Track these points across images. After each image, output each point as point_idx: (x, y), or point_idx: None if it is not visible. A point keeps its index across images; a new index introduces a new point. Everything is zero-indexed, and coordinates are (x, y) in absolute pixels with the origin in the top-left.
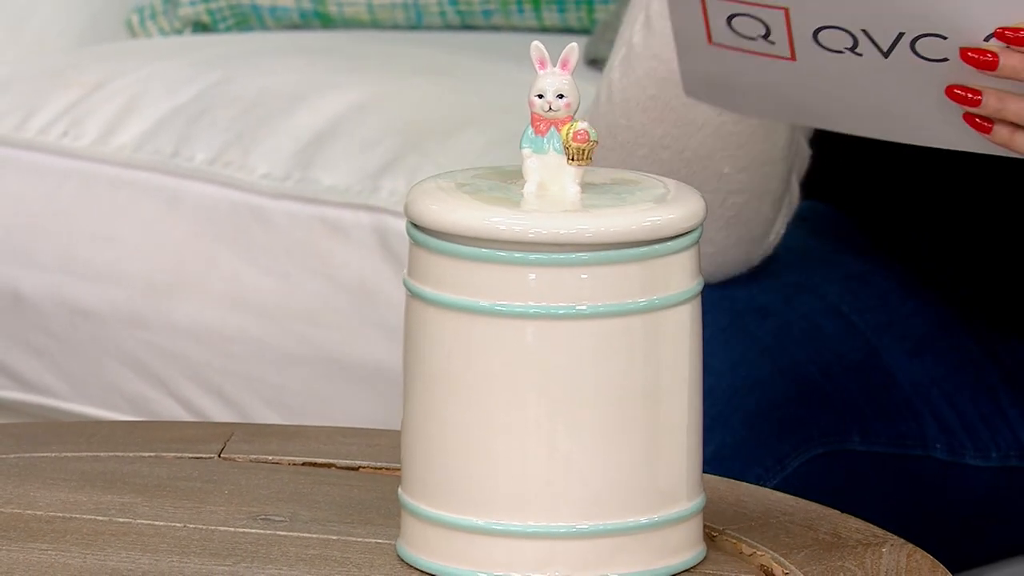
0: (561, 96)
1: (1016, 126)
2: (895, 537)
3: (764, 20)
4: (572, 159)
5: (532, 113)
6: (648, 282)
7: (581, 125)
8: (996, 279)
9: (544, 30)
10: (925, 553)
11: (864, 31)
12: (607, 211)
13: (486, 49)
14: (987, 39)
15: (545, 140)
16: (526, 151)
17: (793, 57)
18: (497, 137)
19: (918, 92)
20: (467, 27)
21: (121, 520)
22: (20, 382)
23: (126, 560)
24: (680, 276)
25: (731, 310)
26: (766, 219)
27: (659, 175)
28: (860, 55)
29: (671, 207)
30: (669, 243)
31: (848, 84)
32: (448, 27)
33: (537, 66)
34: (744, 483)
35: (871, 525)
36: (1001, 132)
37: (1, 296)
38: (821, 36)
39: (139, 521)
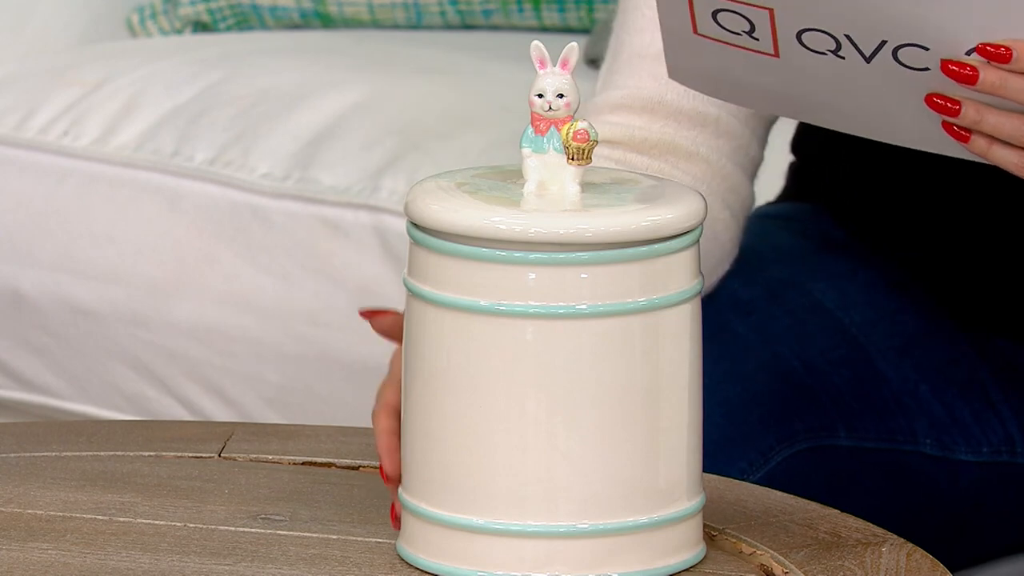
0: (561, 96)
1: (993, 138)
2: (895, 536)
3: (749, 17)
4: (572, 158)
5: (532, 113)
6: (648, 282)
7: (581, 124)
8: (984, 277)
9: (544, 30)
10: (925, 552)
11: (847, 36)
12: (607, 211)
13: (486, 49)
14: (968, 53)
15: (545, 139)
16: (526, 150)
17: (776, 54)
18: (497, 137)
19: (899, 97)
20: (467, 27)
21: (121, 520)
22: (20, 381)
23: (126, 560)
24: (680, 276)
25: (713, 306)
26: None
27: None
28: (843, 58)
29: (671, 207)
30: (669, 243)
31: (830, 84)
32: (448, 27)
33: (537, 66)
34: (744, 483)
35: (871, 524)
36: (979, 143)
37: (1, 296)
38: (805, 37)
39: (139, 521)
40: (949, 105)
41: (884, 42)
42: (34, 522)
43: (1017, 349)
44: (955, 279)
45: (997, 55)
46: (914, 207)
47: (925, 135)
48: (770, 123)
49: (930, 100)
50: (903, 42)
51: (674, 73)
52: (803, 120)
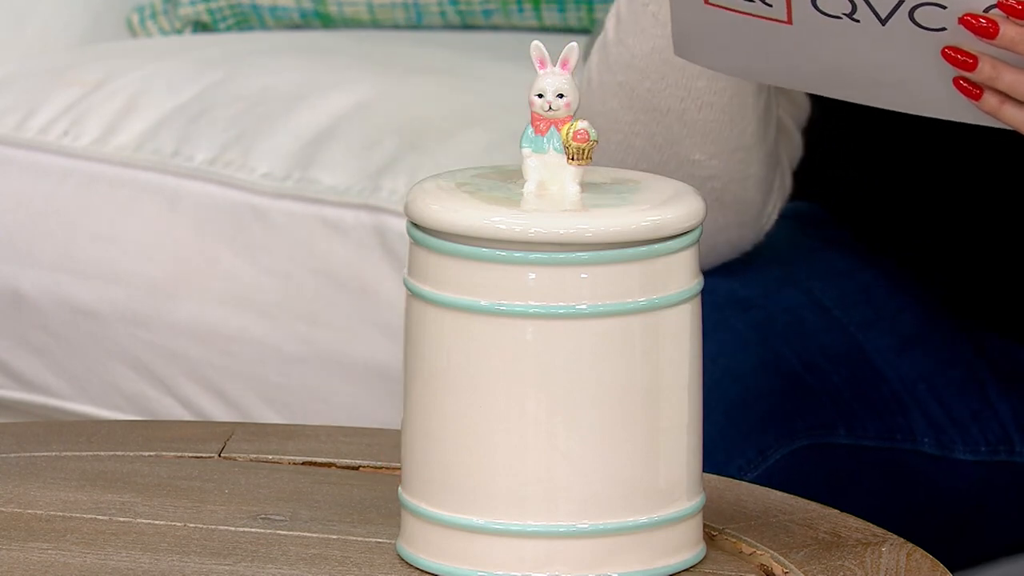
0: (561, 96)
1: (1006, 96)
2: (895, 536)
3: None
4: (572, 158)
5: (532, 112)
6: (648, 282)
7: (581, 124)
8: (984, 276)
9: (544, 30)
10: (925, 552)
11: None
12: (607, 211)
13: (486, 49)
14: (987, 11)
15: (545, 139)
16: (526, 150)
17: (790, 21)
18: (497, 137)
19: (913, 60)
20: (467, 27)
21: (121, 520)
22: (20, 381)
23: (126, 560)
24: (680, 276)
25: (711, 303)
26: (752, 203)
27: (634, 163)
28: (857, 21)
29: (671, 207)
30: (669, 243)
31: (843, 50)
32: (448, 27)
33: (537, 66)
34: (744, 482)
35: (871, 524)
36: (990, 100)
37: (1, 296)
38: (819, 1)
39: (139, 521)
40: (966, 59)
41: (901, 2)
42: (34, 522)
43: (1016, 349)
44: (954, 278)
45: (1017, 10)
46: (914, 207)
47: (937, 99)
48: (804, 112)
49: (946, 54)
50: (920, 1)
51: (681, 50)
52: (814, 92)
